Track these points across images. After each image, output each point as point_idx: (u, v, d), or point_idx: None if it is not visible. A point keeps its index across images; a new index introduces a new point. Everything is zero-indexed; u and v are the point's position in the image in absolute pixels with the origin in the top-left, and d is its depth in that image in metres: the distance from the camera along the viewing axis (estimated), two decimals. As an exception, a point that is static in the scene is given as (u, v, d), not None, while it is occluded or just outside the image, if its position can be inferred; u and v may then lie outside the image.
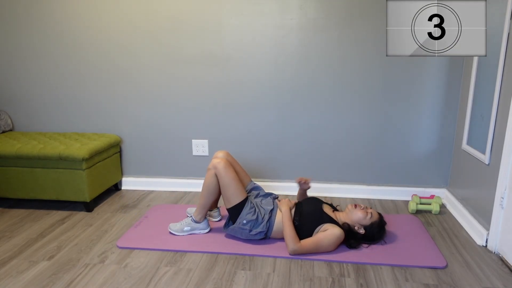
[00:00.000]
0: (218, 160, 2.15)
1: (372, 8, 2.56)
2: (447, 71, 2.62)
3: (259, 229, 2.11)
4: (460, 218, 2.49)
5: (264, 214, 2.14)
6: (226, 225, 2.24)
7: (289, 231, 2.05)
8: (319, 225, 2.07)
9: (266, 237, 2.16)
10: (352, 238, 2.11)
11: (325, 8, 2.61)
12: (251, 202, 2.16)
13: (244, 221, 2.11)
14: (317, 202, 2.24)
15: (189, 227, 2.27)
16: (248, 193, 2.29)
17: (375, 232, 2.12)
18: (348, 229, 2.10)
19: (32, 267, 1.96)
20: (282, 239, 2.14)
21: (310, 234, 2.08)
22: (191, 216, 2.28)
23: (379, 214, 2.18)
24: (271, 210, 2.18)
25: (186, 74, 2.84)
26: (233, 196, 2.12)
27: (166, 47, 2.80)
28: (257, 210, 2.15)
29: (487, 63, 2.24)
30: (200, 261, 2.02)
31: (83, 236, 2.29)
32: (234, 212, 2.13)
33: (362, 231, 2.10)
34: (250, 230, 2.12)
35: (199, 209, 2.25)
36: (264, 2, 2.65)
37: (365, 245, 2.14)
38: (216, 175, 2.15)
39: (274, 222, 2.14)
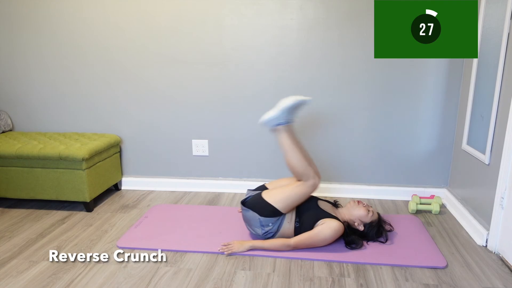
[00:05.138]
0: (318, 184, 2.09)
1: (372, 8, 2.56)
2: (447, 71, 2.62)
3: (267, 228, 2.09)
4: (460, 218, 2.49)
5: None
6: (246, 200, 2.18)
7: (274, 245, 2.06)
8: (317, 221, 2.08)
9: (272, 236, 2.13)
10: (351, 235, 2.11)
11: (325, 8, 2.61)
12: (282, 219, 2.12)
13: (270, 224, 2.08)
14: (312, 199, 2.24)
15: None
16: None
17: (374, 231, 2.15)
18: (347, 226, 2.12)
19: (32, 267, 1.96)
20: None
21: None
22: None
23: (379, 214, 2.20)
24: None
25: (186, 74, 2.84)
26: (285, 203, 2.05)
27: (166, 47, 2.80)
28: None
29: (487, 63, 2.24)
30: (200, 261, 2.02)
31: (83, 236, 2.29)
32: (265, 208, 2.07)
33: (361, 227, 2.12)
34: (265, 232, 2.09)
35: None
36: (264, 2, 2.65)
37: (365, 242, 2.16)
38: (310, 186, 2.06)
39: (283, 223, 2.11)
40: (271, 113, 2.11)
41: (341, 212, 2.18)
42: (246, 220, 2.16)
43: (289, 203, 2.06)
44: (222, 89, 2.84)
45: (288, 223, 2.11)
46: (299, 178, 2.09)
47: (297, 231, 2.10)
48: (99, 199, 2.85)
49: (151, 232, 2.31)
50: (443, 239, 2.25)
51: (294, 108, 2.12)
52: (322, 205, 2.20)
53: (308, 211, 2.12)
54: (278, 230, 2.11)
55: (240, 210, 2.54)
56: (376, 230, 2.15)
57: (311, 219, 2.09)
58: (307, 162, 2.09)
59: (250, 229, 2.16)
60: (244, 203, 2.17)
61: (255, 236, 2.18)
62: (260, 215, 2.08)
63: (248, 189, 2.31)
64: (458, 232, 2.35)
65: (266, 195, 2.10)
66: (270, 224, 2.08)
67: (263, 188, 2.31)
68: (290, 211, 2.11)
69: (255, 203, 2.11)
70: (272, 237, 2.13)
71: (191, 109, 2.91)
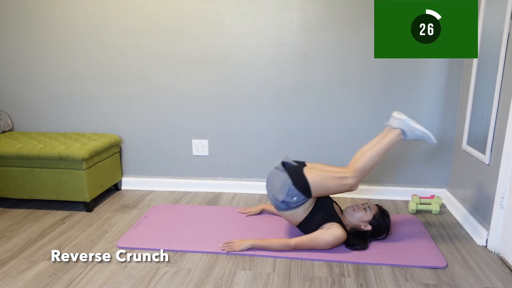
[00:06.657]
0: (355, 185, 2.09)
1: (372, 8, 2.56)
2: (447, 71, 2.62)
3: (290, 199, 2.07)
4: (460, 218, 2.49)
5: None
6: (286, 163, 2.22)
7: (274, 245, 2.07)
8: (326, 222, 2.08)
9: (286, 210, 2.10)
10: (361, 239, 2.11)
11: (325, 8, 2.61)
12: (304, 201, 2.11)
13: (295, 198, 2.05)
14: (329, 199, 2.22)
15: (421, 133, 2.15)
16: None
17: (381, 222, 2.14)
18: (356, 232, 2.13)
19: (32, 267, 1.96)
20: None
21: (316, 229, 2.08)
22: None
23: (377, 205, 2.21)
24: None
25: (186, 74, 2.84)
26: (318, 187, 2.06)
27: (166, 47, 2.80)
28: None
29: (487, 63, 2.24)
30: (200, 261, 2.02)
31: (83, 236, 2.29)
32: (301, 180, 2.07)
33: (368, 227, 2.12)
34: (285, 202, 2.07)
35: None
36: (264, 2, 2.65)
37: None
38: (346, 185, 2.08)
39: (301, 206, 2.10)
40: (419, 126, 2.15)
41: (344, 219, 2.19)
42: (274, 181, 2.14)
43: (322, 189, 2.07)
44: (222, 89, 2.84)
45: (305, 209, 2.10)
46: (351, 170, 2.09)
47: (305, 221, 2.10)
48: (99, 199, 2.85)
49: (151, 232, 2.31)
50: (443, 239, 2.25)
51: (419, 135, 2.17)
52: (336, 208, 2.21)
53: (323, 209, 2.13)
54: (294, 208, 2.08)
55: (242, 212, 2.56)
56: (382, 220, 2.15)
57: (322, 217, 2.09)
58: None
59: (273, 191, 2.12)
60: (284, 164, 2.18)
61: (256, 233, 2.17)
62: (293, 184, 2.06)
63: (287, 155, 2.29)
64: (458, 232, 2.35)
65: (306, 171, 2.09)
66: (295, 198, 2.06)
67: (303, 164, 2.27)
68: (315, 198, 2.11)
69: (293, 172, 2.11)
70: (286, 211, 2.10)
71: (191, 109, 2.91)
